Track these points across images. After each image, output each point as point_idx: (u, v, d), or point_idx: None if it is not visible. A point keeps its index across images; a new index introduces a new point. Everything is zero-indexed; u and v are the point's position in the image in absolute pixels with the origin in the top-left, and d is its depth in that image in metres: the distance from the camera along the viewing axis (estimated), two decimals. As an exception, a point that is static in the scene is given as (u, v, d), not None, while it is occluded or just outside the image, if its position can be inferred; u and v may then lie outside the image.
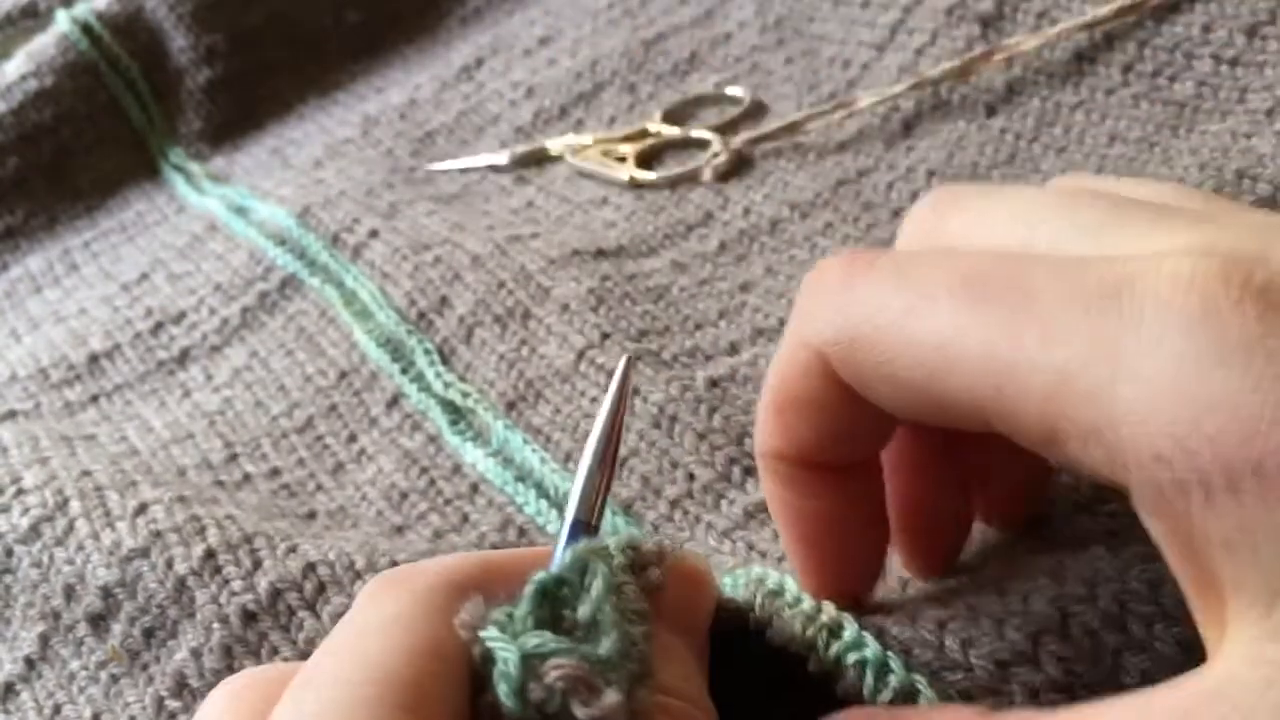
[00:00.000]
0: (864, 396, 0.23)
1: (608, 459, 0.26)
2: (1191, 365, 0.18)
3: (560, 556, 0.25)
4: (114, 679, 0.36)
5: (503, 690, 0.21)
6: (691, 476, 0.37)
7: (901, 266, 0.23)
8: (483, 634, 0.22)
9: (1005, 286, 0.21)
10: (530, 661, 0.21)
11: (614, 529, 0.37)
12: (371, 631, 0.22)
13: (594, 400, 0.41)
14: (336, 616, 0.32)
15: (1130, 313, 0.19)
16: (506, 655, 0.21)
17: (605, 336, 0.42)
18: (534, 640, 0.21)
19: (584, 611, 0.23)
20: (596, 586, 0.23)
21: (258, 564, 0.35)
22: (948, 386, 0.21)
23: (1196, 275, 0.19)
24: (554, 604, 0.23)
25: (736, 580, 0.27)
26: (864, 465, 0.26)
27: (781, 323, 0.43)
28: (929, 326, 0.21)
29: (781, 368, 0.25)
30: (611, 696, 0.21)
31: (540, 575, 0.23)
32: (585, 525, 0.26)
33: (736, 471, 0.36)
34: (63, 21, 0.69)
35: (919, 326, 0.21)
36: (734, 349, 0.42)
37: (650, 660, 0.22)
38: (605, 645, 0.22)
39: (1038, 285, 0.20)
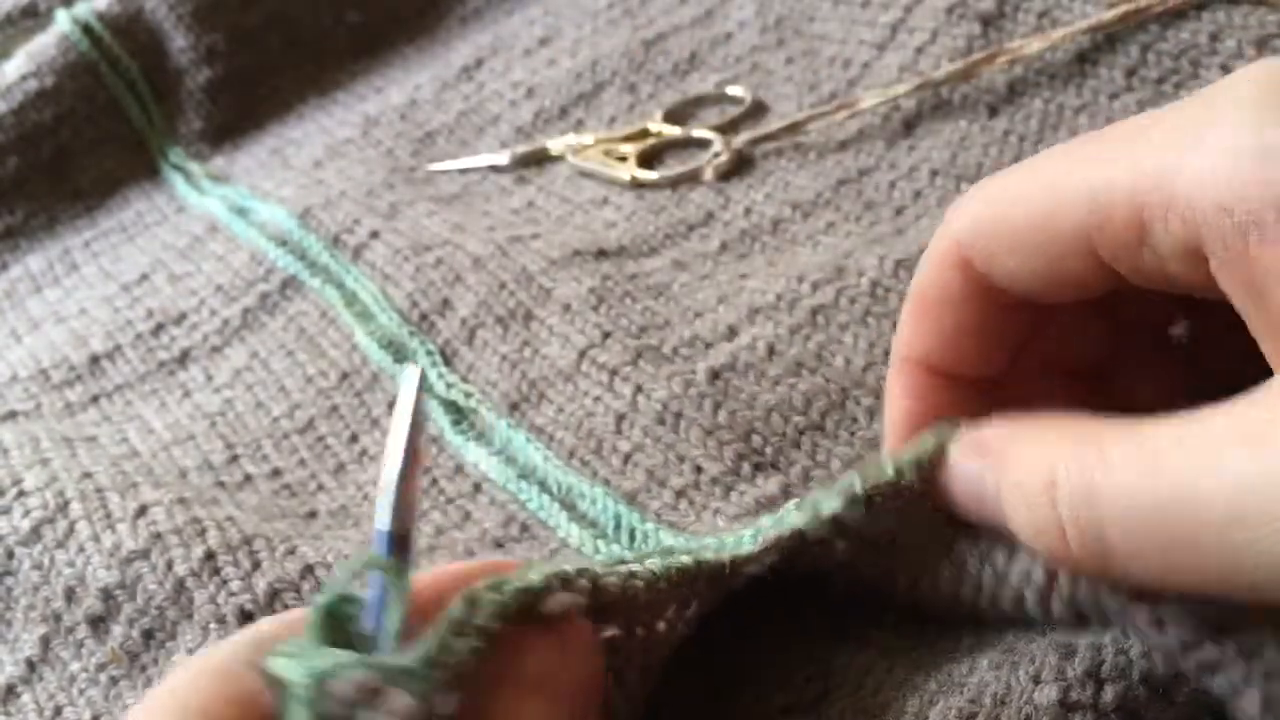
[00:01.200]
0: (992, 279, 0.27)
1: (412, 466, 0.26)
2: (1251, 130, 0.22)
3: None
4: (113, 681, 0.36)
5: (297, 714, 0.21)
6: (699, 469, 0.37)
7: (1029, 159, 0.27)
8: (270, 663, 0.22)
9: (1108, 132, 0.25)
10: (319, 679, 0.21)
11: (615, 519, 0.37)
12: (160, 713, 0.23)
13: (597, 399, 0.41)
14: None
15: (1204, 106, 0.23)
16: (294, 678, 0.21)
17: (606, 335, 0.42)
18: (320, 658, 0.22)
19: (369, 623, 0.23)
20: (390, 599, 0.23)
21: (256, 565, 0.35)
22: (1057, 224, 0.25)
23: (1260, 71, 0.23)
24: (342, 622, 0.23)
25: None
26: (984, 388, 0.29)
27: (779, 298, 0.43)
28: (1042, 174, 0.25)
29: (922, 269, 0.28)
30: (399, 700, 0.21)
31: (323, 597, 0.23)
32: (397, 536, 0.25)
33: (746, 467, 0.36)
34: (63, 21, 0.69)
35: (1035, 177, 0.26)
36: (733, 332, 0.42)
37: (465, 671, 0.22)
38: (395, 654, 0.22)
39: (1135, 122, 0.25)
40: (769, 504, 0.35)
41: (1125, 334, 0.30)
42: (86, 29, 0.69)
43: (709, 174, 0.52)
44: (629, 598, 0.26)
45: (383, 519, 0.25)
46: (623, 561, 0.27)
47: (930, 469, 0.27)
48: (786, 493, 0.35)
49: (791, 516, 0.28)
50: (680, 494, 0.36)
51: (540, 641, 0.25)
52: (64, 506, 0.39)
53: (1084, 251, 0.24)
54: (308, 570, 0.34)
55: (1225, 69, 0.43)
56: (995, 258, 0.26)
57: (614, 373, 0.41)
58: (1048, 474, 0.24)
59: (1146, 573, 0.23)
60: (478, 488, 0.41)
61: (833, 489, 0.28)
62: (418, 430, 0.26)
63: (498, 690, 0.24)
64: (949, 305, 0.28)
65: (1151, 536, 0.22)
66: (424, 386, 0.45)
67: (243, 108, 0.70)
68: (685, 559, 0.27)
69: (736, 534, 0.29)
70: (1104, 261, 0.24)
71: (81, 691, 0.36)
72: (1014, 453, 0.25)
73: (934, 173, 0.48)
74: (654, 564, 0.27)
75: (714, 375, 0.39)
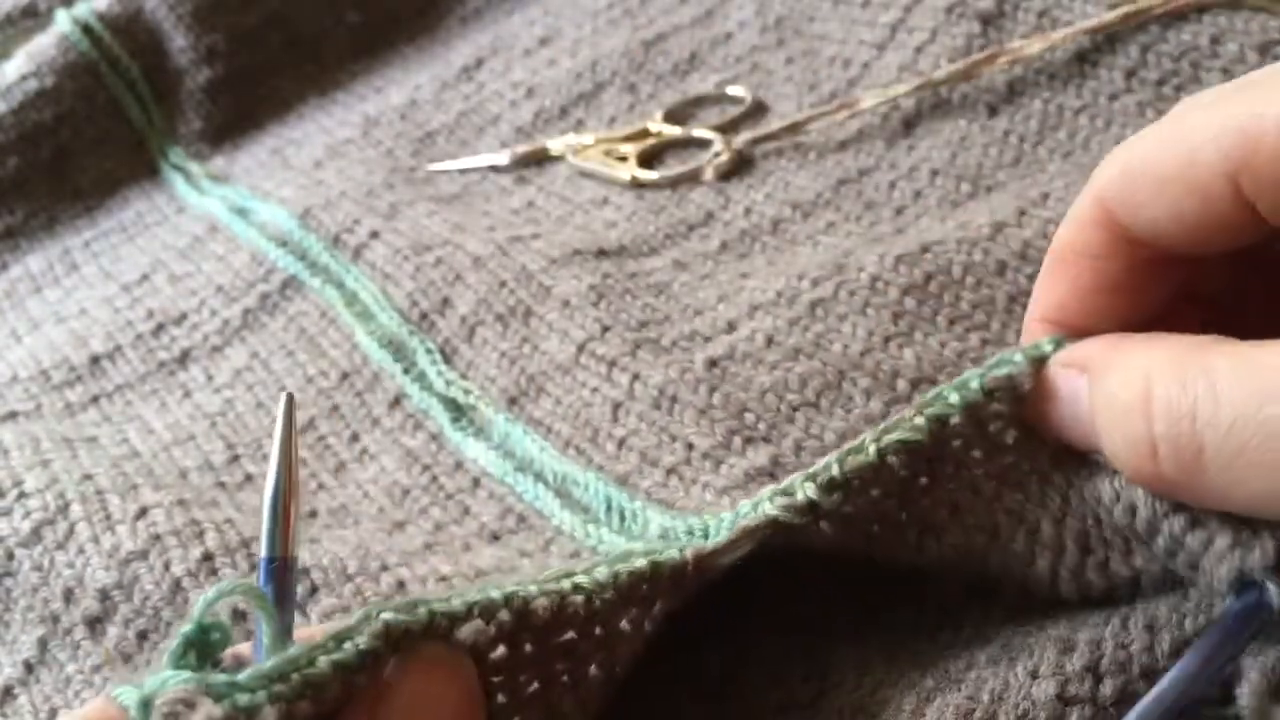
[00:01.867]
0: (1136, 233, 0.26)
1: (288, 493, 0.26)
2: None
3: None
4: (107, 683, 0.36)
5: None
6: (690, 446, 0.37)
7: (1165, 118, 0.26)
8: (118, 693, 0.22)
9: (1247, 79, 0.24)
10: (147, 698, 0.21)
11: (606, 501, 0.37)
12: None
13: (594, 390, 0.41)
14: (325, 617, 0.33)
15: None
16: (128, 701, 0.21)
17: (605, 329, 0.42)
18: (156, 679, 0.21)
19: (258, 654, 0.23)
20: (262, 625, 0.23)
21: (253, 567, 0.35)
22: (1200, 163, 0.24)
23: None
24: (211, 650, 0.23)
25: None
26: None
27: (778, 294, 0.42)
28: (1187, 117, 0.25)
29: (1063, 228, 0.28)
30: (206, 710, 0.20)
31: (185, 626, 0.23)
32: (280, 560, 0.25)
33: (737, 441, 0.36)
34: (63, 22, 0.69)
35: (1179, 121, 0.25)
36: (732, 326, 0.42)
37: (324, 692, 0.22)
38: (244, 671, 0.22)
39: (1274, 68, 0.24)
40: (758, 475, 0.35)
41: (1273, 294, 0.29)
42: (86, 29, 0.69)
43: (709, 174, 0.52)
44: (566, 615, 0.25)
45: (263, 546, 0.25)
46: (569, 574, 0.26)
47: (1017, 388, 0.26)
48: (776, 463, 0.35)
49: (766, 504, 0.27)
50: (671, 471, 0.36)
51: (417, 674, 0.23)
52: (64, 508, 0.39)
53: (1229, 193, 0.24)
54: (303, 573, 0.34)
55: (1226, 73, 0.43)
56: (1138, 208, 0.26)
57: (612, 364, 0.41)
58: (1144, 388, 0.23)
59: (1239, 498, 0.22)
60: (476, 482, 0.41)
61: (808, 473, 0.27)
62: (291, 456, 0.26)
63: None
64: (1090, 262, 0.27)
65: (1255, 462, 0.21)
66: (425, 383, 0.45)
67: (243, 108, 0.70)
68: (640, 562, 0.27)
69: (715, 518, 0.29)
70: (1251, 203, 0.24)
71: (77, 694, 0.36)
72: (1113, 365, 0.25)
73: (934, 173, 0.48)
74: (601, 572, 0.26)
75: (711, 364, 0.39)
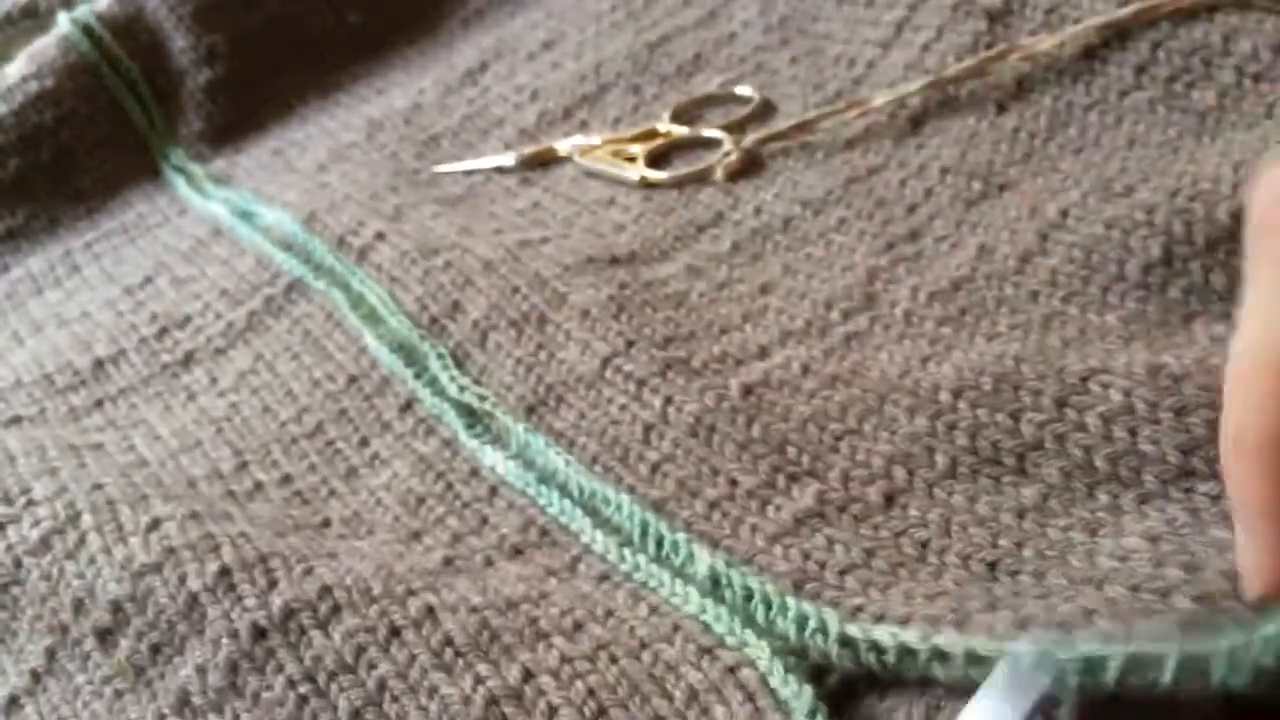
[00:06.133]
0: None
1: None
2: None
3: None
4: (118, 694, 0.35)
5: None
6: (734, 482, 0.36)
7: None
8: None
9: None
10: None
11: (641, 526, 0.36)
12: None
13: (622, 408, 0.40)
14: (348, 637, 0.32)
15: None
16: None
17: (630, 344, 0.41)
18: None
19: None
20: None
21: (273, 583, 0.34)
22: None
23: None
24: None
25: None
26: None
27: (808, 324, 0.42)
28: None
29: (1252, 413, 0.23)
30: None
31: None
32: None
33: (781, 479, 0.35)
34: (63, 23, 0.69)
35: None
36: (764, 353, 0.41)
37: None
38: None
39: None
40: (807, 518, 0.34)
41: None
42: (87, 30, 0.68)
43: (719, 173, 0.52)
44: None
45: None
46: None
47: None
48: (823, 500, 0.34)
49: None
50: (714, 505, 0.35)
51: None
52: (75, 518, 0.38)
53: None
54: (326, 591, 0.34)
55: (1239, 70, 0.43)
56: None
57: (642, 383, 0.40)
58: None
59: None
60: (494, 491, 0.40)
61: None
62: None
63: None
64: None
65: None
66: (437, 388, 0.45)
67: (244, 109, 0.69)
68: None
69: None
70: None
71: (85, 704, 0.36)
72: None
73: (944, 170, 0.47)
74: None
75: (747, 390, 0.39)
